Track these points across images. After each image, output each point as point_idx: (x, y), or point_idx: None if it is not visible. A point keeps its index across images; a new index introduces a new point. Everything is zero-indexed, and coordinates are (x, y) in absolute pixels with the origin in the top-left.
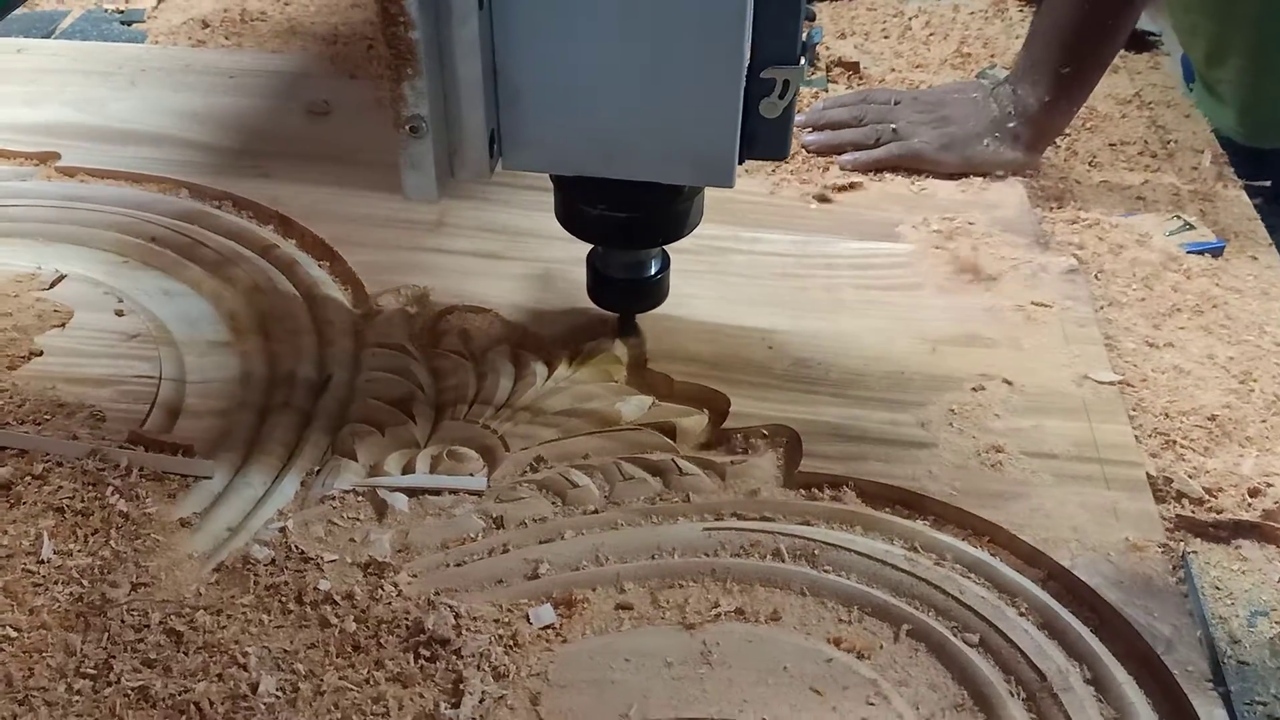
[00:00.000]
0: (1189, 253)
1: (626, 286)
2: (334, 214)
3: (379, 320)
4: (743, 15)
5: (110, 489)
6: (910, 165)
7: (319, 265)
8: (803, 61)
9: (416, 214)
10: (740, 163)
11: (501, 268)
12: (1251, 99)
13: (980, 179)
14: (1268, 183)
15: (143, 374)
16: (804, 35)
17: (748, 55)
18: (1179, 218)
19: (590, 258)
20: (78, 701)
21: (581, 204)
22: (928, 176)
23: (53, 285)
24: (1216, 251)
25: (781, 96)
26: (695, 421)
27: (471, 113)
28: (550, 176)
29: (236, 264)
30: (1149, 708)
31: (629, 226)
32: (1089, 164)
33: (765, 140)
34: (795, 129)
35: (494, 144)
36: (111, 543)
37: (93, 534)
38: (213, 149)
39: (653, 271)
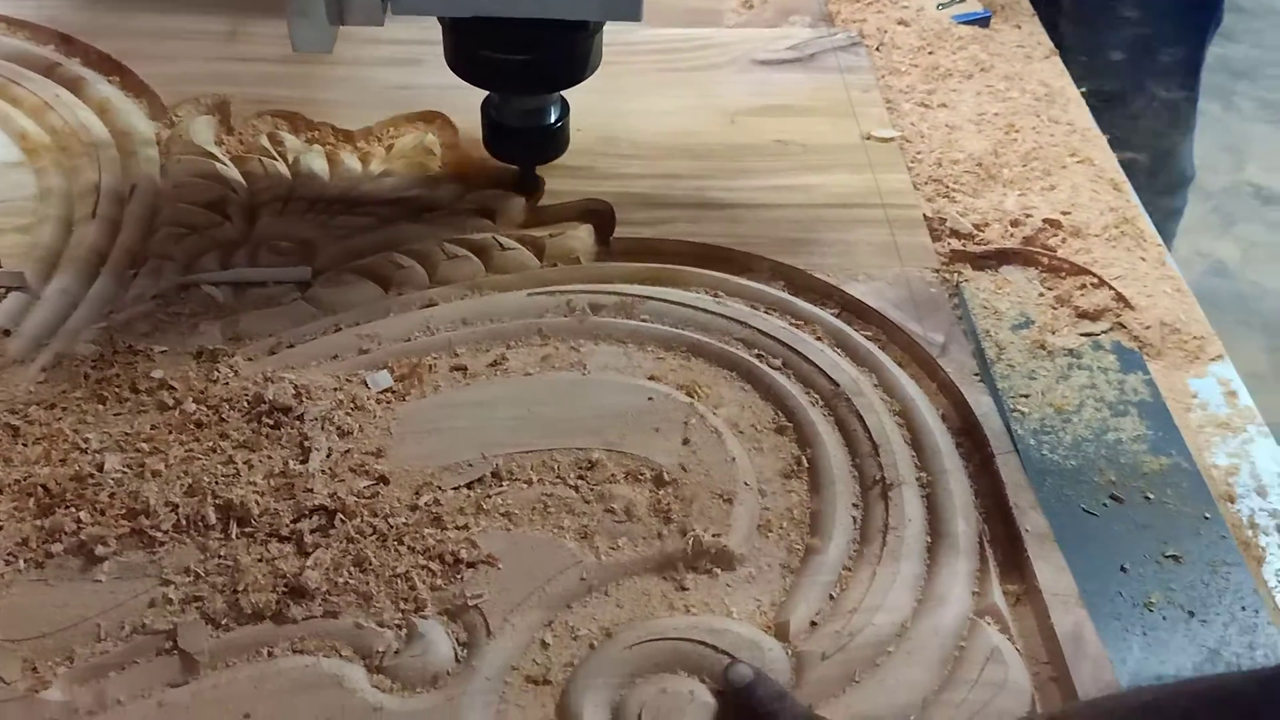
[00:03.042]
0: (959, 23)
1: (527, 136)
2: (117, 29)
3: (180, 128)
4: None
5: None
6: None
7: (108, 81)
8: None
9: (207, 25)
10: None
11: (303, 70)
12: None
13: None
14: None
15: None
16: None
17: None
18: None
19: (485, 106)
20: None
21: (477, 47)
22: None
23: None
24: (984, 21)
25: None
26: (513, 203)
27: None
28: (440, 19)
29: (19, 84)
30: (928, 400)
31: (529, 69)
32: None
33: None
34: None
35: None
36: None
37: None
38: None
39: (553, 119)
